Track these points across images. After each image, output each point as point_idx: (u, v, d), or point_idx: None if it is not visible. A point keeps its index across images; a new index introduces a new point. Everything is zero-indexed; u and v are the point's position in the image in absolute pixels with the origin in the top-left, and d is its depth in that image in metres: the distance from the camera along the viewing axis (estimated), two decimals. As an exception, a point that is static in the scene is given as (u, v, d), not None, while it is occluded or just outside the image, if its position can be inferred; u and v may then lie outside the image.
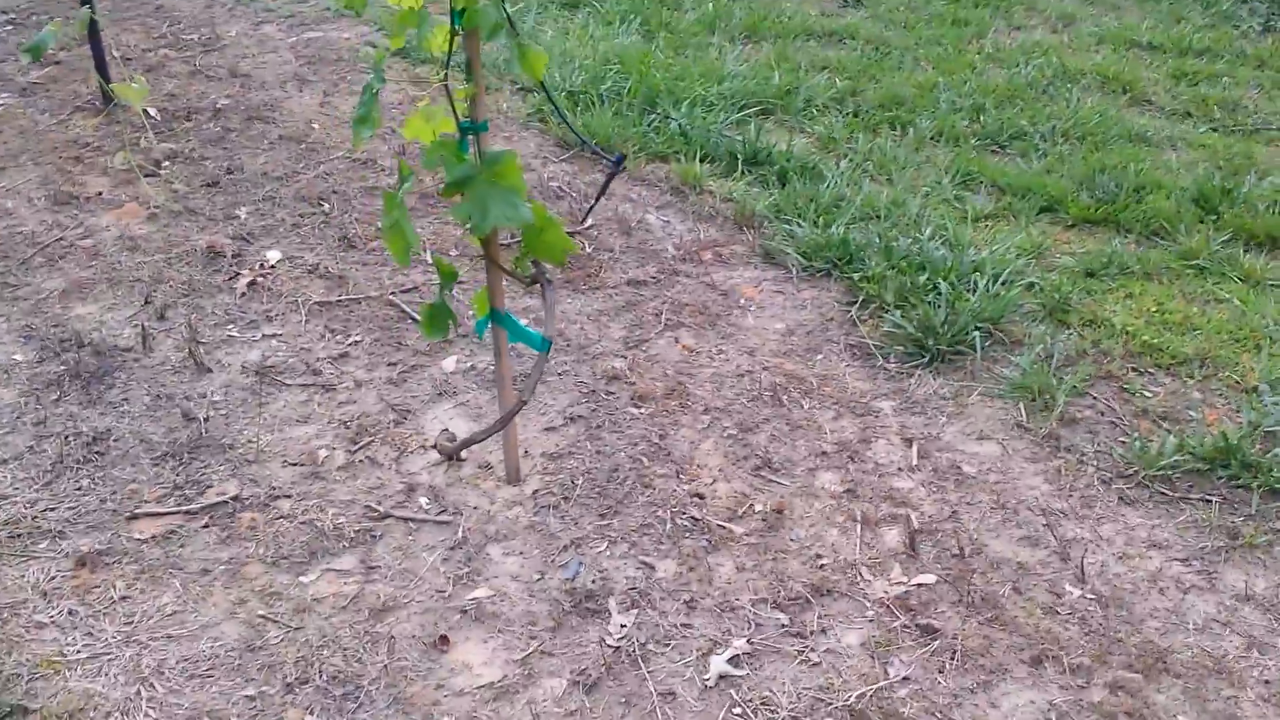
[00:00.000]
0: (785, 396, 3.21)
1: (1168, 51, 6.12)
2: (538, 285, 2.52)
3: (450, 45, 2.31)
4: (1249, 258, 3.97)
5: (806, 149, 4.76)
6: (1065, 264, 3.94)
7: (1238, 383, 3.30)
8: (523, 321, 2.76)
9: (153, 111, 4.58)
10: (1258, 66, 5.88)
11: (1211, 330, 3.54)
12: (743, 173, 4.55)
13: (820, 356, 3.44)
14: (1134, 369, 3.38)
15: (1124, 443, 3.06)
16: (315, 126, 4.63)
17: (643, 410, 3.08)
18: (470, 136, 2.40)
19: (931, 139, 4.94)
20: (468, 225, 2.30)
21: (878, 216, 4.19)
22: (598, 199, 2.60)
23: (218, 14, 5.94)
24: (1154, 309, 3.67)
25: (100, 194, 4.00)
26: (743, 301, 3.72)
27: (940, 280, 3.69)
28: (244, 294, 3.45)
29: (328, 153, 4.41)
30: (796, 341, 3.51)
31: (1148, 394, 3.27)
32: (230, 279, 3.52)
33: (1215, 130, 5.11)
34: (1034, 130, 4.98)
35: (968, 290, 3.64)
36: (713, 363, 3.35)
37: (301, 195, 4.05)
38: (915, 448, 3.02)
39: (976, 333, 3.46)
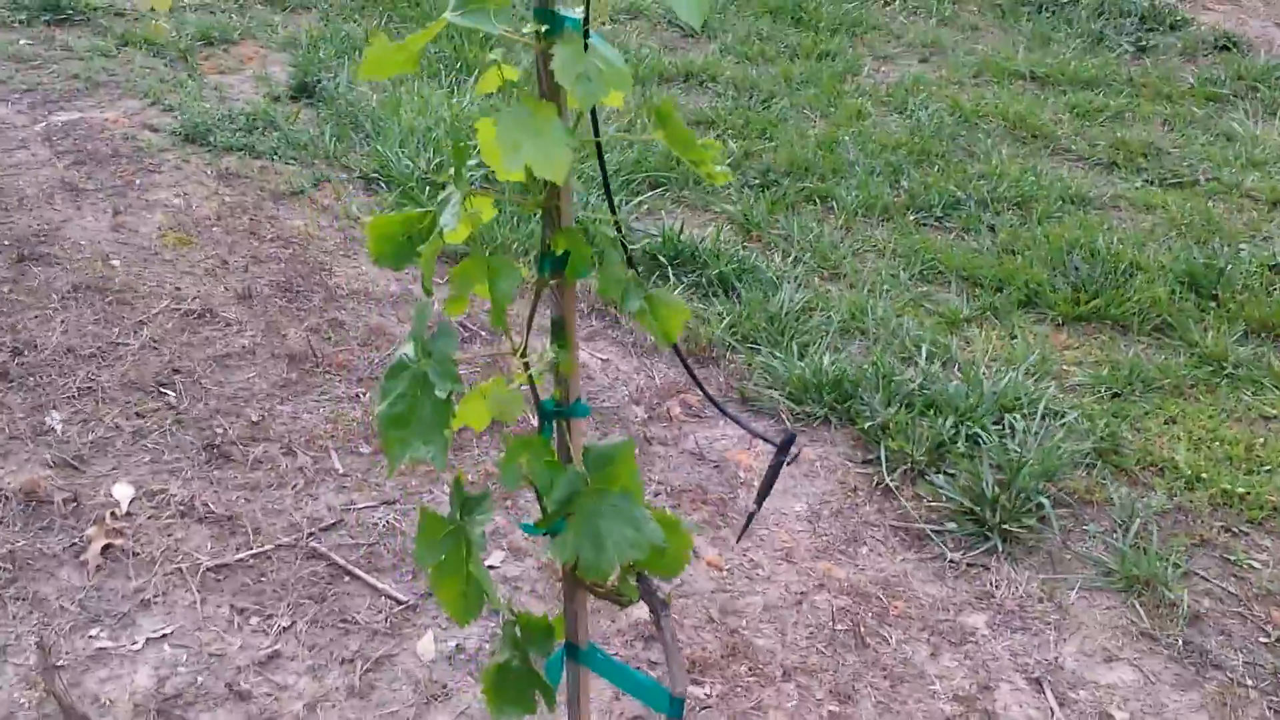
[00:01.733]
0: (862, 627, 2.60)
1: (1056, 83, 5.87)
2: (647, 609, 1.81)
3: (535, 303, 1.57)
4: (1276, 358, 3.64)
5: (733, 241, 4.16)
6: (1080, 381, 3.50)
7: (1351, 539, 2.93)
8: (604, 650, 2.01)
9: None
10: (1155, 99, 5.69)
11: (1283, 464, 3.17)
12: (672, 279, 3.90)
13: (866, 550, 2.85)
14: (1225, 528, 2.96)
15: (1266, 643, 2.61)
16: (116, 264, 3.64)
17: (709, 690, 2.40)
18: (556, 422, 1.66)
19: (860, 214, 4.44)
20: (571, 564, 1.57)
21: (860, 331, 3.64)
22: (762, 498, 1.87)
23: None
24: (1208, 437, 3.27)
25: None
26: (742, 475, 3.09)
27: (972, 426, 3.17)
28: (99, 568, 2.51)
29: (146, 306, 3.46)
30: (829, 529, 2.91)
31: (1255, 564, 2.85)
32: (72, 545, 2.57)
33: (1151, 184, 4.83)
34: (967, 197, 4.55)
35: (1006, 438, 3.13)
36: (754, 585, 2.71)
37: (131, 381, 3.11)
38: (1049, 690, 2.47)
39: (1044, 499, 2.95)
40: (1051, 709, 2.43)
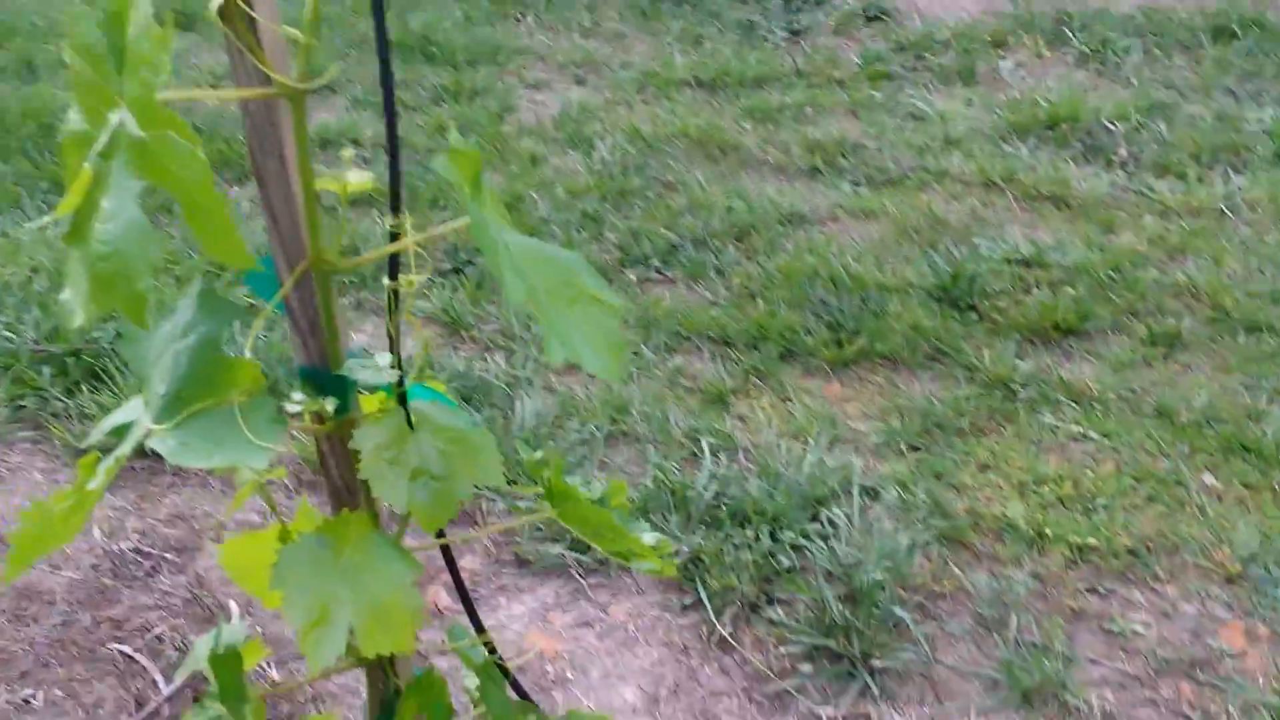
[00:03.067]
0: None
1: (725, 87, 5.63)
2: None
3: None
4: (1059, 368, 3.47)
5: (443, 348, 3.61)
6: (876, 442, 3.20)
7: (1215, 571, 2.74)
8: None
9: None
10: (828, 86, 5.54)
11: (1116, 494, 2.96)
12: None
13: (728, 734, 2.40)
14: (1090, 590, 2.72)
15: (1186, 729, 2.36)
16: None
17: None
18: None
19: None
20: None
21: (624, 435, 3.19)
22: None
23: None
24: (1030, 480, 3.03)
25: None
26: (551, 670, 2.57)
27: (790, 534, 2.79)
28: None
29: None
30: (674, 715, 2.44)
31: (1137, 628, 2.61)
32: None
33: (860, 186, 4.64)
34: (682, 239, 4.19)
35: (831, 538, 2.77)
36: (617, 834, 2.19)
37: None
38: None
39: (896, 609, 2.60)
40: None
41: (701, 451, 3.10)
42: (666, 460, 3.06)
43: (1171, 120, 5.08)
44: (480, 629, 1.40)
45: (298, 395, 1.13)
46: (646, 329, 3.70)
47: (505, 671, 1.43)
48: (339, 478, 1.17)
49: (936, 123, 5.06)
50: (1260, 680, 2.43)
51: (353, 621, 1.00)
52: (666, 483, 2.95)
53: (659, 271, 4.08)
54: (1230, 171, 4.68)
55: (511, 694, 1.42)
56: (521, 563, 2.84)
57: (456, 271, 4.06)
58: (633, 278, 4.01)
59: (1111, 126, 5.03)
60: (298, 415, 1.15)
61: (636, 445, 3.18)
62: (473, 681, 1.38)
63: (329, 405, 1.11)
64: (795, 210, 4.39)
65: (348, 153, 1.19)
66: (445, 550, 1.39)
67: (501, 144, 5.05)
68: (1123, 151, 4.86)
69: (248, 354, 1.05)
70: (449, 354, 3.60)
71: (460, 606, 2.67)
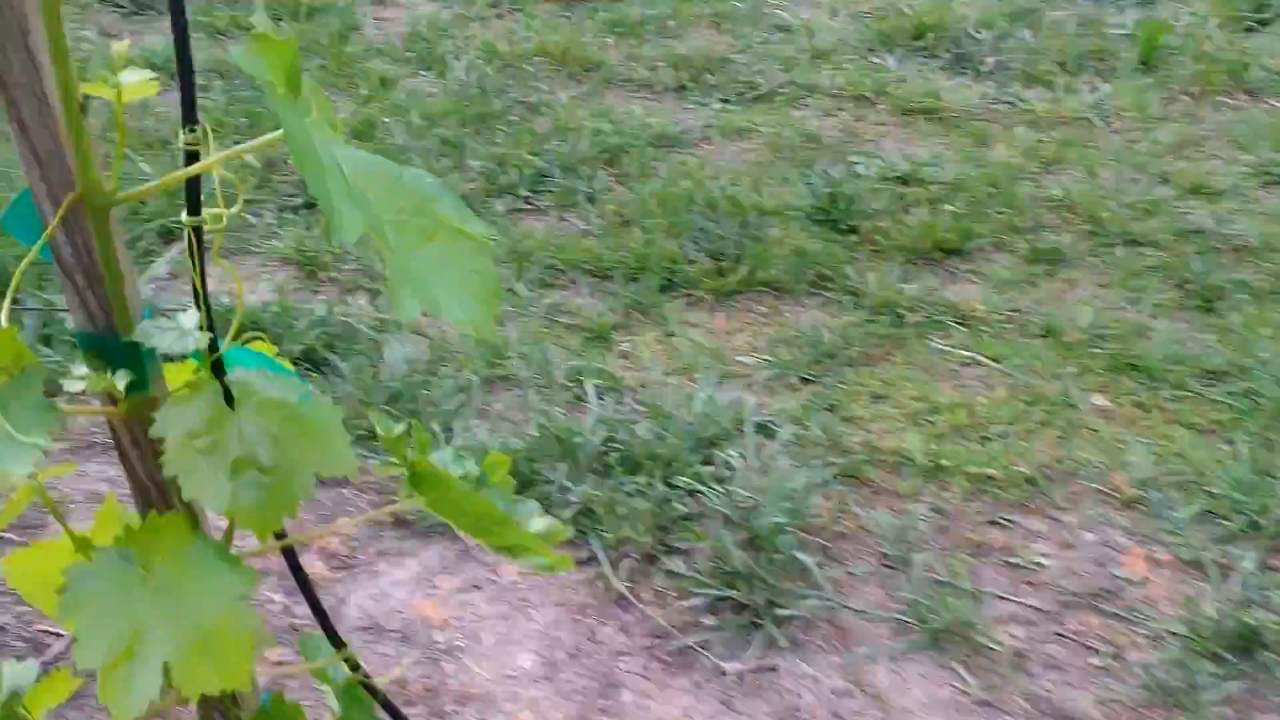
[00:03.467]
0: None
1: (586, 1, 5.40)
2: None
3: None
4: (945, 289, 3.42)
5: (300, 292, 3.39)
6: (767, 376, 3.11)
7: (1112, 496, 2.73)
8: None
9: None
10: None
11: (1010, 420, 2.93)
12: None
13: (631, 697, 2.31)
14: (991, 523, 2.68)
15: (1100, 665, 2.35)
16: None
17: None
18: None
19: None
20: None
21: (503, 379, 3.03)
22: None
23: None
24: (924, 409, 2.98)
25: None
26: (440, 639, 2.43)
27: (684, 478, 2.69)
28: None
29: None
30: (575, 683, 2.34)
31: (1040, 560, 2.59)
32: None
33: (730, 103, 4.51)
34: (550, 165, 4.02)
35: (727, 482, 2.67)
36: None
37: None
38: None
39: (798, 554, 2.53)
40: None
41: (586, 394, 2.97)
42: (550, 406, 2.92)
43: (1037, 27, 5.06)
44: (338, 643, 1.24)
45: (80, 369, 0.90)
46: (519, 263, 3.53)
47: (373, 690, 1.26)
48: (144, 473, 0.96)
49: (802, 34, 4.94)
50: (1167, 609, 2.43)
51: (168, 656, 0.80)
52: (551, 430, 2.81)
53: (527, 201, 3.90)
54: (1097, 79, 4.68)
55: (383, 716, 1.27)
56: (402, 523, 2.69)
57: (310, 206, 3.81)
58: (500, 209, 3.83)
59: (977, 35, 4.98)
60: (82, 397, 0.92)
61: (517, 390, 3.03)
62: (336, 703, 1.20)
63: (120, 381, 0.89)
64: (665, 131, 4.24)
65: (121, 45, 0.90)
66: (289, 554, 1.21)
67: (348, 65, 4.77)
68: (990, 60, 4.82)
69: (1, 320, 0.86)
70: (306, 298, 3.38)
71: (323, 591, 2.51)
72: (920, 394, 3.03)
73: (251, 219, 3.72)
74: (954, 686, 2.30)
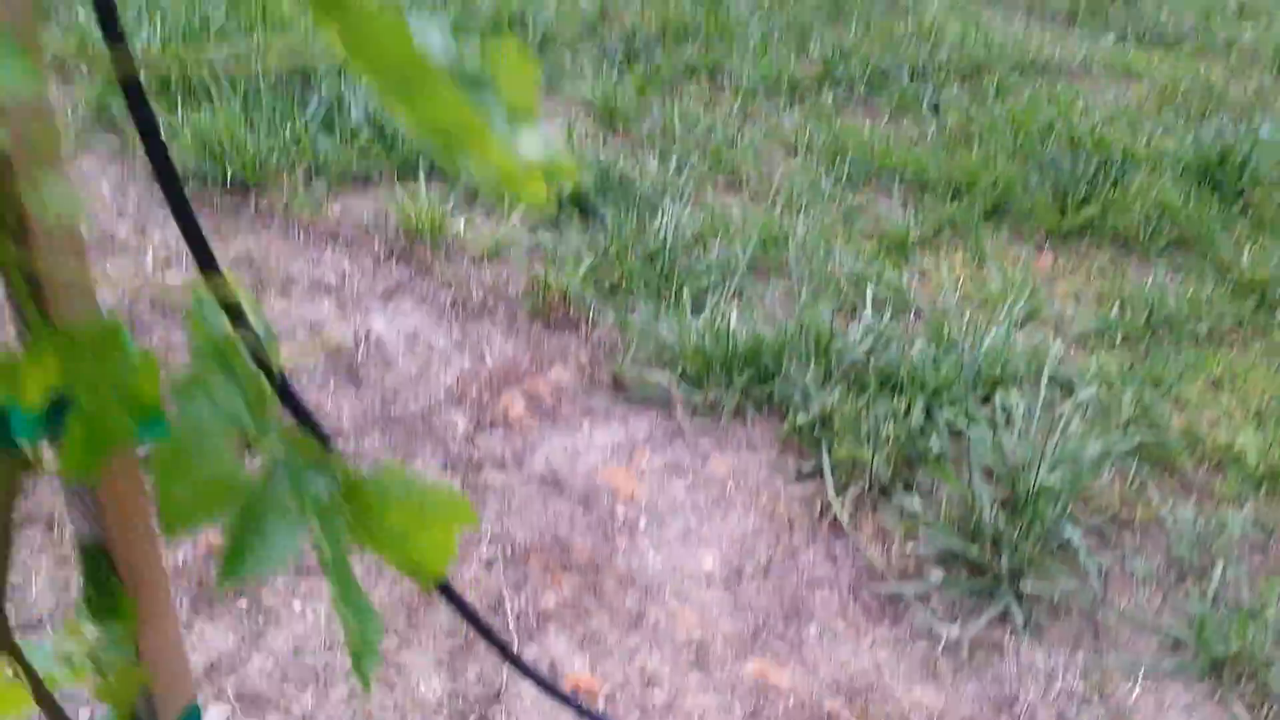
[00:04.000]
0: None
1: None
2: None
3: None
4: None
5: (591, 139, 3.15)
6: (1085, 329, 2.61)
7: None
8: None
9: None
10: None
11: (1385, 445, 2.33)
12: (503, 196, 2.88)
13: (817, 631, 1.93)
14: (1327, 555, 2.12)
15: None
16: None
17: None
18: None
19: (761, 93, 3.45)
20: None
21: (776, 269, 2.69)
22: None
23: None
24: (1273, 408, 2.42)
25: None
26: (622, 513, 2.12)
27: (950, 412, 2.26)
28: None
29: None
30: (758, 599, 1.98)
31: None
32: None
33: (1126, 41, 3.94)
34: (899, 67, 3.60)
35: (1001, 429, 2.23)
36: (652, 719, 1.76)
37: None
38: None
39: (1069, 526, 2.06)
40: None
41: (864, 302, 2.58)
42: (814, 302, 2.55)
43: None
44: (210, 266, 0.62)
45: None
46: (832, 158, 3.16)
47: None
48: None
49: (1234, -15, 4.29)
50: None
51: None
52: (811, 324, 2.44)
53: (863, 98, 3.52)
54: None
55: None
56: (618, 386, 2.40)
57: (629, 61, 3.57)
58: (829, 99, 3.46)
59: None
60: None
61: (784, 280, 2.67)
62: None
63: None
64: (1042, 56, 3.74)
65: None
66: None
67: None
68: None
69: None
70: (598, 147, 3.14)
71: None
72: (1272, 390, 2.47)
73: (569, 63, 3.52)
74: (1224, 731, 1.81)
